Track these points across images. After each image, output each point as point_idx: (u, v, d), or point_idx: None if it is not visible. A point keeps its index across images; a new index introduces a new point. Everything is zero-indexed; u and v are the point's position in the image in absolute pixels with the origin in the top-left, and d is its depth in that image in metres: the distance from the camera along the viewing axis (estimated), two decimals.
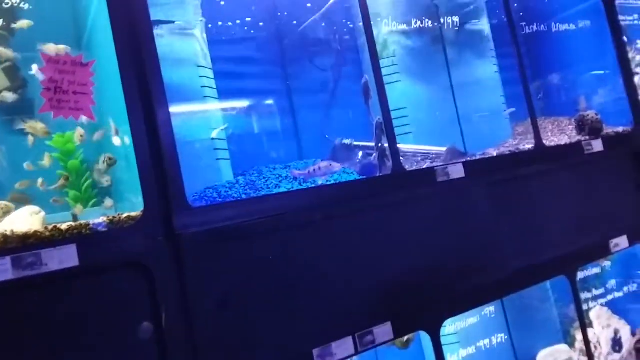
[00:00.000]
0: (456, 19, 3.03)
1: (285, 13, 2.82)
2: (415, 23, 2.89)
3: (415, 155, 2.66)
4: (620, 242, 2.82)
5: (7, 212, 1.71)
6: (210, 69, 2.34)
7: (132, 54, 1.72)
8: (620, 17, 3.17)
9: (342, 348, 1.88)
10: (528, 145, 2.70)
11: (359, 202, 2.07)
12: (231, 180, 2.22)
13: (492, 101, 3.10)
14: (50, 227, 1.53)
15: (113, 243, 1.58)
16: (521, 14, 3.33)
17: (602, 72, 3.30)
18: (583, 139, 2.86)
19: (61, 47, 1.68)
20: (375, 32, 2.28)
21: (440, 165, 2.28)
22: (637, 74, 3.22)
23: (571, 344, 3.01)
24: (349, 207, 2.04)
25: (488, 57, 3.15)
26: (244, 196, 2.04)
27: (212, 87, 2.33)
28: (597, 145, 2.80)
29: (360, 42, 2.78)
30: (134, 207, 1.72)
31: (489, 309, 2.85)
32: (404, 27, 2.87)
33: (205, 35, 2.39)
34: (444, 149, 2.67)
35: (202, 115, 2.33)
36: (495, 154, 2.61)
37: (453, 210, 2.32)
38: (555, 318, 3.09)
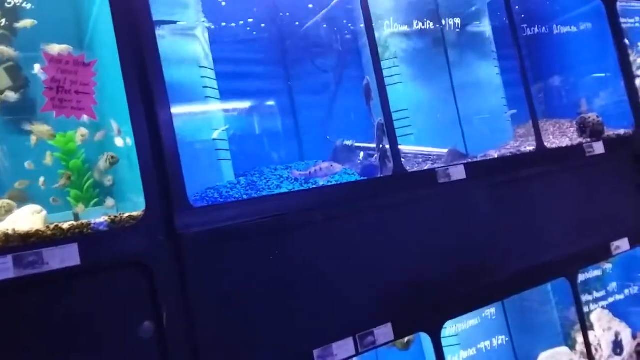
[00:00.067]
0: (458, 20, 3.04)
1: (288, 14, 2.83)
2: (417, 25, 2.90)
3: (417, 156, 2.66)
4: (621, 245, 2.82)
5: (9, 211, 1.71)
6: (212, 69, 2.35)
7: (134, 54, 1.72)
8: (622, 20, 3.17)
9: (342, 349, 1.88)
10: (529, 147, 2.70)
11: (360, 203, 2.07)
12: (232, 181, 2.22)
13: (494, 103, 3.10)
14: (51, 226, 1.54)
15: (114, 242, 1.58)
16: (522, 16, 3.33)
17: (603, 74, 3.30)
18: (584, 141, 2.86)
19: (63, 46, 1.68)
20: (376, 34, 2.28)
21: (442, 167, 2.28)
22: (639, 76, 3.22)
23: (572, 347, 3.00)
24: (350, 208, 2.04)
25: (489, 59, 3.15)
26: (245, 196, 2.04)
27: (213, 88, 2.33)
28: (599, 148, 2.80)
29: (361, 44, 2.78)
30: (135, 206, 1.72)
31: (490, 311, 2.85)
32: (405, 28, 2.87)
33: (207, 36, 2.39)
34: (445, 150, 2.68)
35: (204, 116, 2.33)
36: (496, 156, 2.61)
37: (454, 211, 2.32)
38: (556, 320, 3.08)
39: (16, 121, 1.98)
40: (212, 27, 2.43)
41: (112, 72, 1.72)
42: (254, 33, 2.77)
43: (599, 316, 3.14)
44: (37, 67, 1.66)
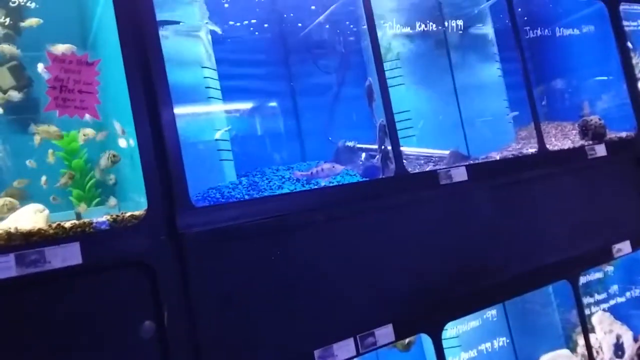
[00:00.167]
0: (460, 22, 3.04)
1: (291, 14, 2.83)
2: (419, 26, 2.90)
3: (418, 158, 2.66)
4: (623, 247, 2.82)
5: (11, 209, 1.72)
6: (214, 70, 2.35)
7: (138, 54, 1.73)
8: (624, 23, 3.18)
9: (343, 349, 1.88)
10: (531, 149, 2.70)
11: (362, 204, 2.08)
12: (234, 181, 2.22)
13: (496, 105, 3.10)
14: (54, 225, 1.54)
15: (116, 242, 1.59)
16: (525, 18, 3.33)
17: (605, 77, 3.30)
18: (586, 143, 2.86)
19: (67, 46, 1.69)
20: (379, 35, 2.29)
21: (443, 168, 2.28)
22: None
23: (573, 349, 3.00)
24: (352, 209, 2.05)
25: (492, 61, 3.15)
26: (246, 197, 2.04)
27: (216, 88, 2.34)
28: (601, 150, 2.80)
29: (364, 45, 2.78)
30: (137, 206, 1.73)
31: (491, 313, 2.85)
32: (408, 30, 2.87)
33: (210, 37, 2.40)
34: (446, 152, 2.68)
35: (206, 116, 2.33)
36: (498, 158, 2.61)
37: (455, 213, 2.32)
38: (557, 322, 3.08)
39: (19, 120, 1.99)
40: (216, 27, 2.44)
41: (116, 71, 1.72)
42: (257, 34, 2.78)
43: (600, 319, 3.14)
44: (40, 67, 1.66)
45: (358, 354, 1.92)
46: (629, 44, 3.19)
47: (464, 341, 2.73)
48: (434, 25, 2.96)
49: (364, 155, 2.62)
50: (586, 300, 3.13)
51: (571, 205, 2.71)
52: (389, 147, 2.23)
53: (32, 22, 1.97)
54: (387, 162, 2.28)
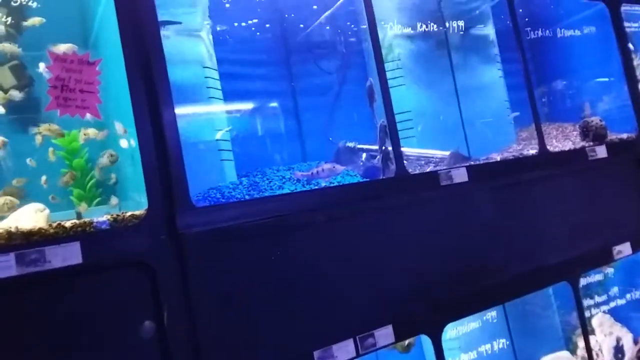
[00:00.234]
0: (461, 23, 3.04)
1: (292, 15, 2.84)
2: (421, 27, 2.90)
3: (419, 158, 2.66)
4: (624, 249, 2.81)
5: (11, 208, 1.72)
6: (215, 70, 2.35)
7: (139, 54, 1.73)
8: (626, 24, 3.17)
9: (343, 350, 1.88)
10: (532, 150, 2.70)
11: (362, 205, 2.08)
12: (235, 181, 2.22)
13: (496, 106, 3.10)
14: (54, 225, 1.54)
15: (116, 241, 1.59)
16: (526, 19, 3.33)
17: (606, 78, 3.30)
18: (587, 145, 2.86)
19: (68, 45, 1.69)
20: (380, 36, 2.28)
21: (444, 169, 2.28)
22: None
23: (573, 351, 3.00)
24: (352, 210, 2.04)
25: (493, 61, 3.15)
26: (247, 197, 2.04)
27: (217, 89, 2.34)
28: (601, 152, 2.80)
29: (365, 46, 2.78)
30: (138, 205, 1.73)
31: (491, 314, 2.85)
32: (409, 30, 2.87)
33: (211, 37, 2.40)
34: (447, 153, 2.68)
35: (207, 117, 2.33)
36: (498, 159, 2.61)
37: (456, 214, 2.32)
38: (557, 324, 3.07)
39: (21, 120, 1.99)
40: (217, 28, 2.44)
41: (117, 71, 1.72)
42: (258, 34, 2.78)
43: (600, 321, 3.14)
44: (41, 66, 1.66)
45: (358, 355, 1.92)
46: (630, 45, 3.18)
47: (463, 343, 2.73)
48: (435, 26, 2.96)
49: (364, 155, 2.62)
50: (586, 302, 3.13)
51: (572, 206, 2.71)
52: (390, 148, 2.23)
53: (35, 21, 1.97)
54: (388, 162, 2.28)
